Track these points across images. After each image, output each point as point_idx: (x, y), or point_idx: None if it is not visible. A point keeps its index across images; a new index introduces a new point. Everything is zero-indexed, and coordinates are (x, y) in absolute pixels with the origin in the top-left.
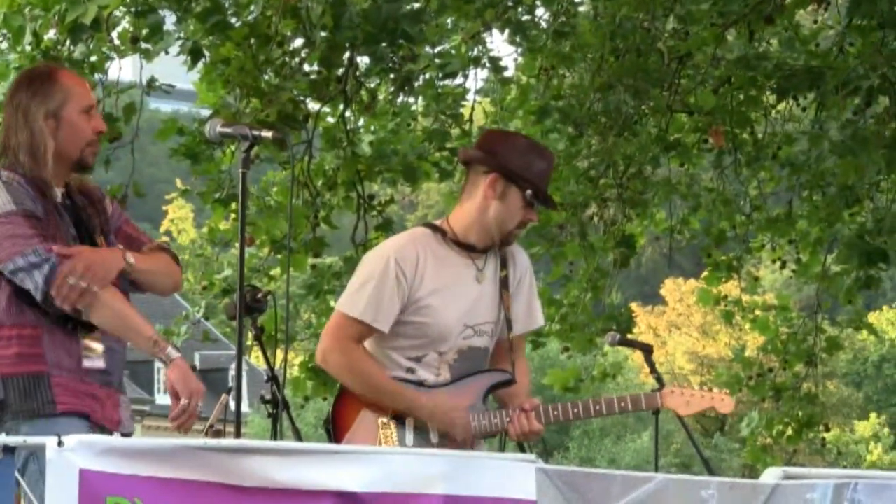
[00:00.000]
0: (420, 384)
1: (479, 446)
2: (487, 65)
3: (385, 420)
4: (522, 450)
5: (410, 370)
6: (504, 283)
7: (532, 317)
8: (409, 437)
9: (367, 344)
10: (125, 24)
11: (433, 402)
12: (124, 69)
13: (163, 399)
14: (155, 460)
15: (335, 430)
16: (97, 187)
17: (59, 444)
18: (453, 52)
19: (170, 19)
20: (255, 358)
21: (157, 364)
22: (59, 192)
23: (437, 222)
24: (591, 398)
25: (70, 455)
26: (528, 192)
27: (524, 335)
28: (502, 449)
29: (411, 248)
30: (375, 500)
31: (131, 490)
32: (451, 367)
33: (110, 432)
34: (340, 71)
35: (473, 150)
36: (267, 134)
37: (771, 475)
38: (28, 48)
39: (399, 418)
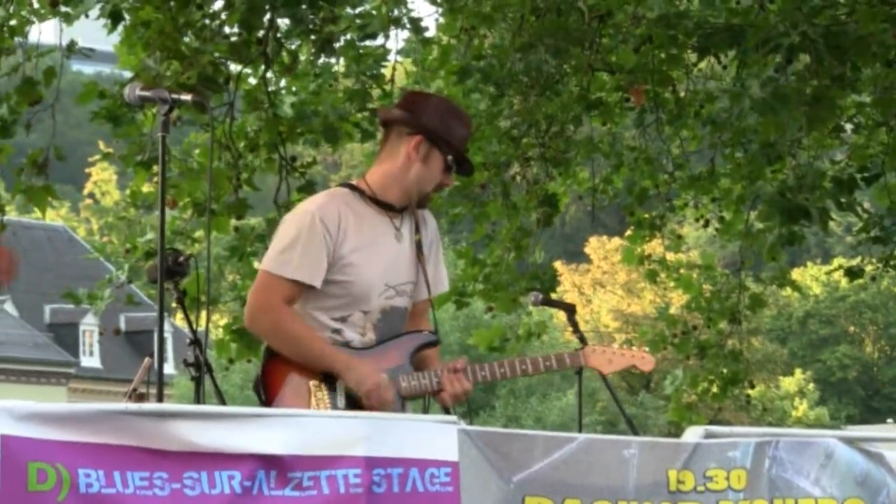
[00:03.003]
0: (346, 345)
1: (406, 409)
2: (408, 25)
3: (316, 383)
4: (447, 411)
5: (336, 331)
6: (419, 246)
7: (439, 281)
8: (341, 400)
9: None
10: None
11: (361, 370)
12: (46, 32)
13: (88, 362)
14: (77, 426)
15: (266, 392)
16: None
17: None
18: (374, 12)
19: None
20: (181, 320)
21: (83, 326)
22: None
23: (354, 181)
24: (518, 358)
25: None
26: (450, 157)
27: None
28: (426, 409)
29: (332, 206)
30: (297, 463)
31: (53, 455)
32: (376, 326)
33: None
34: (261, 33)
35: (396, 110)
36: (186, 97)
37: (692, 434)
38: None
39: (330, 382)
